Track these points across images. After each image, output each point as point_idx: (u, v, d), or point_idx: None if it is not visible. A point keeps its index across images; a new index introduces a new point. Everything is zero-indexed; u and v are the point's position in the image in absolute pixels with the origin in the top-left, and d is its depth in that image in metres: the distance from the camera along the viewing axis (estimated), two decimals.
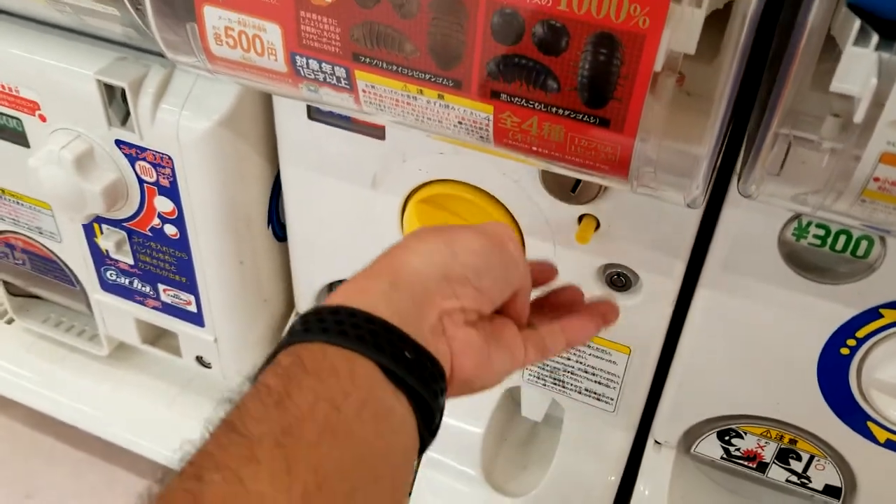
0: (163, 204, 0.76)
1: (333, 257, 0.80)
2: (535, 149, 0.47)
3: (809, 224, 0.57)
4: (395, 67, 0.47)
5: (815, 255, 0.59)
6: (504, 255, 0.47)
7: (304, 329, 0.40)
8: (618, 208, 0.62)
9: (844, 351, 0.61)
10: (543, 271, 0.57)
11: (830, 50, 0.42)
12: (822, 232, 0.57)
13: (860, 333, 0.60)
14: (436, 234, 0.46)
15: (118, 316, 0.92)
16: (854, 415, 0.65)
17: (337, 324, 0.39)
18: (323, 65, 0.49)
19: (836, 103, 0.45)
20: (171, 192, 0.74)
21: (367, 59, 0.47)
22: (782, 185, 0.48)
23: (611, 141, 0.44)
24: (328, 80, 0.49)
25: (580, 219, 0.64)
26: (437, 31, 0.44)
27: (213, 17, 0.50)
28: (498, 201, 0.67)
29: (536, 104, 0.44)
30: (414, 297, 0.42)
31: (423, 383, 0.39)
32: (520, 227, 0.67)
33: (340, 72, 0.49)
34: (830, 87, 0.40)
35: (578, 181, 0.61)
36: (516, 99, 0.45)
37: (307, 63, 0.49)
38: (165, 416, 0.96)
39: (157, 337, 0.95)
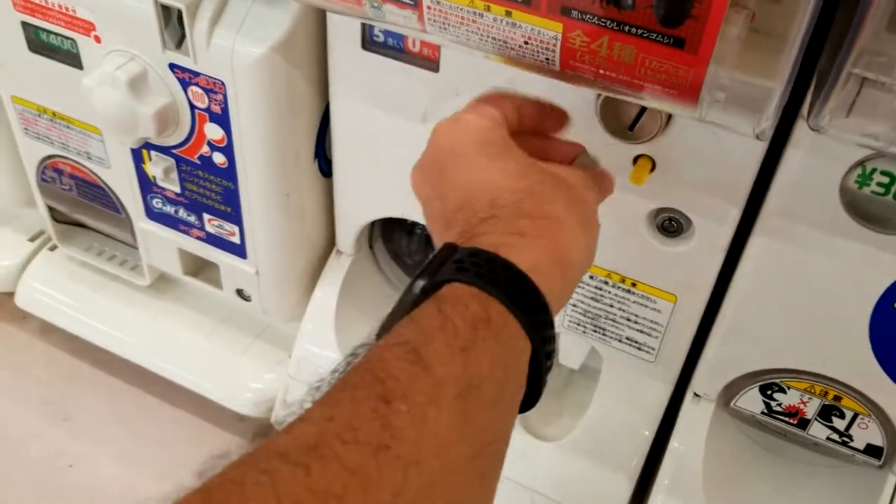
0: (213, 131, 0.76)
1: (378, 196, 0.79)
2: (602, 71, 0.46)
3: (874, 171, 0.56)
4: None
5: (878, 204, 0.57)
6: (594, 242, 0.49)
7: (493, 279, 0.40)
8: (675, 149, 0.61)
9: None
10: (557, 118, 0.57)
11: None
12: (886, 179, 0.56)
13: None
14: (571, 222, 0.46)
15: (162, 245, 0.92)
16: None
17: (522, 295, 0.40)
18: None
19: None
20: (222, 120, 0.74)
21: None
22: (851, 128, 0.47)
23: (684, 62, 0.43)
24: None
25: (636, 160, 0.63)
26: None
27: None
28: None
29: (609, 22, 0.43)
30: (564, 298, 0.45)
31: (540, 386, 0.42)
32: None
33: None
34: None
35: (638, 117, 0.60)
36: (588, 16, 0.44)
37: None
38: (203, 347, 0.97)
39: (198, 269, 0.96)
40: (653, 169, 0.63)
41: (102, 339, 1.00)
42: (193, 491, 0.30)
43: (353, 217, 0.84)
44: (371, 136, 0.75)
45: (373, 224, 0.88)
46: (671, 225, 0.66)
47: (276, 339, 0.97)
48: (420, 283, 0.41)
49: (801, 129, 0.56)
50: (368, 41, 0.68)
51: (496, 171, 0.47)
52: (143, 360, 0.98)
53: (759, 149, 0.59)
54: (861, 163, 0.55)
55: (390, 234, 0.92)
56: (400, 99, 0.70)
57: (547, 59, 0.48)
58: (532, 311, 0.40)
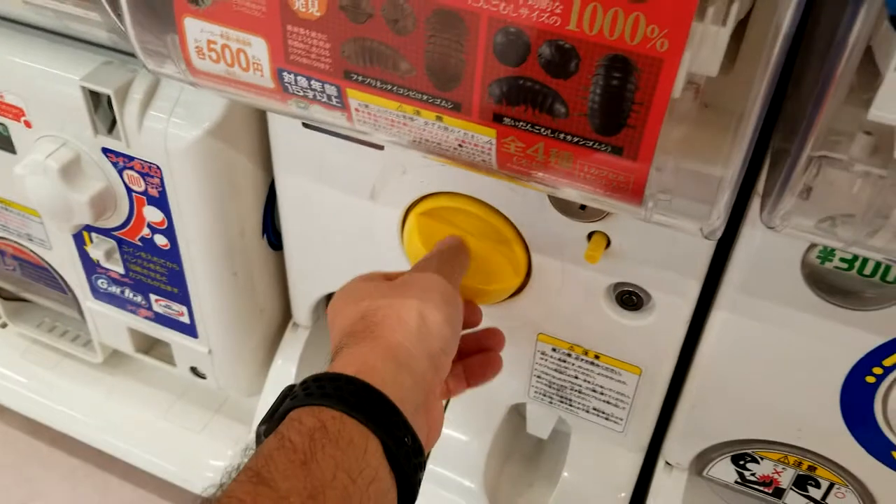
0: (152, 214, 0.73)
1: (331, 269, 0.76)
2: (541, 174, 0.44)
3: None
4: (389, 87, 0.43)
5: (841, 278, 0.55)
6: (457, 314, 0.51)
7: (322, 393, 0.42)
8: (629, 226, 0.59)
9: (870, 379, 0.58)
10: (474, 313, 0.62)
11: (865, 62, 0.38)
12: (849, 255, 0.53)
13: (887, 362, 0.56)
14: (407, 306, 0.48)
15: (111, 324, 0.89)
16: (878, 444, 0.61)
17: (352, 395, 0.42)
18: (312, 82, 0.45)
19: (867, 120, 0.41)
20: (161, 203, 0.71)
21: (360, 78, 0.43)
22: (808, 210, 0.45)
23: (623, 169, 0.41)
24: (318, 97, 0.46)
25: (590, 236, 0.61)
26: (435, 50, 0.40)
27: (195, 30, 0.46)
28: (503, 216, 0.63)
29: (543, 129, 0.41)
30: (413, 377, 0.45)
31: (413, 469, 0.43)
32: (526, 243, 0.64)
33: (331, 90, 0.45)
34: (869, 116, 0.37)
35: None
36: (521, 123, 0.41)
37: (295, 80, 0.45)
38: (160, 426, 0.93)
39: (151, 345, 0.92)
40: (608, 245, 0.60)
41: (57, 419, 0.97)
42: None
43: (307, 290, 0.81)
44: (319, 212, 0.72)
45: (329, 296, 0.85)
46: (630, 299, 0.64)
47: (236, 414, 0.93)
48: (263, 426, 0.43)
49: (756, 207, 0.54)
50: None
51: (348, 310, 0.51)
52: (99, 440, 0.95)
53: None
54: None
55: None
56: (346, 175, 0.67)
57: (484, 160, 0.45)
58: (367, 406, 0.41)
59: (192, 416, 0.94)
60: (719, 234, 0.44)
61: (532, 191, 0.59)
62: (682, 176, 0.43)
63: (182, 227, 0.72)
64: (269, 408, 0.44)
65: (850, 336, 0.56)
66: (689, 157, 0.43)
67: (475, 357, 0.60)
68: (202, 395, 0.95)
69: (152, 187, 0.70)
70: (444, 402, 0.56)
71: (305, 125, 0.65)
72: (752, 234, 0.55)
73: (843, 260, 0.54)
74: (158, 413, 0.95)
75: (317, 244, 0.75)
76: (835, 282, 0.55)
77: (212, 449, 0.91)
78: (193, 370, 0.88)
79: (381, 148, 0.63)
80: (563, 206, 0.59)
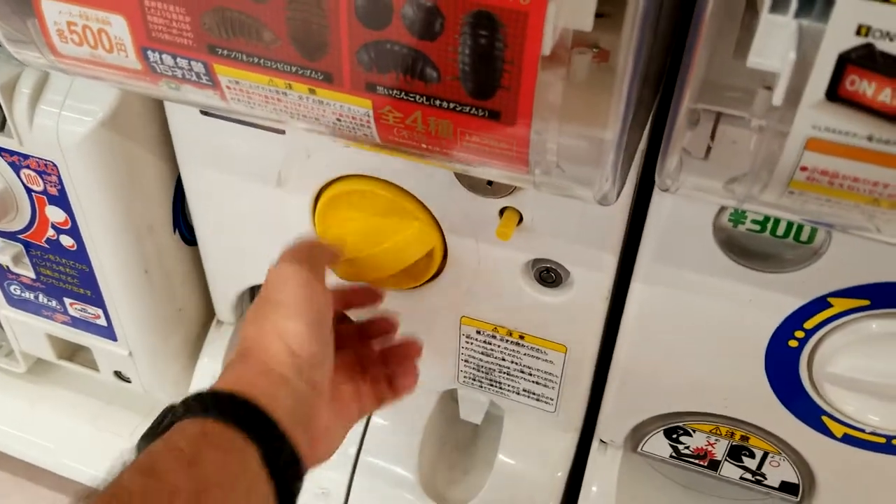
0: (55, 214, 0.69)
1: (248, 262, 0.74)
2: (425, 146, 0.42)
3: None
4: (256, 59, 0.41)
5: (756, 241, 0.53)
6: (321, 317, 0.51)
7: (203, 407, 0.44)
8: (540, 199, 0.57)
9: (793, 343, 0.56)
10: (361, 295, 0.63)
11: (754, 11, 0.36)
12: (760, 216, 0.52)
13: (808, 324, 0.55)
14: (267, 331, 0.50)
15: (29, 331, 0.85)
16: (807, 410, 0.60)
17: (231, 407, 0.44)
18: (178, 59, 0.42)
19: (769, 75, 0.39)
20: (61, 201, 0.68)
21: (225, 52, 0.41)
22: (712, 171, 0.43)
23: (504, 134, 0.39)
24: (187, 76, 0.43)
25: (501, 212, 0.58)
26: (297, 16, 0.38)
27: (53, 12, 0.44)
28: (413, 197, 0.61)
29: (417, 97, 0.39)
30: (293, 396, 0.47)
31: (291, 477, 0.45)
32: (438, 223, 0.61)
33: (198, 67, 0.42)
34: (748, 63, 0.35)
35: None
36: (394, 92, 0.39)
37: (161, 58, 0.43)
38: (88, 433, 0.90)
39: (73, 352, 0.89)
40: (520, 221, 0.58)
41: None
42: None
43: (226, 286, 0.78)
44: (229, 203, 0.69)
45: (253, 288, 0.82)
46: (549, 276, 0.62)
47: None
48: (142, 442, 0.45)
49: None
50: None
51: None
52: (26, 453, 0.91)
53: (627, 194, 0.54)
54: None
55: None
56: (250, 163, 0.64)
57: (365, 134, 0.43)
58: (245, 417, 0.43)
59: (121, 422, 0.91)
60: (613, 199, 0.42)
61: (439, 169, 0.57)
62: (569, 140, 0.41)
63: (86, 225, 0.69)
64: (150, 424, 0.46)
65: (769, 300, 0.55)
66: (574, 120, 0.41)
67: (393, 368, 0.62)
68: (130, 400, 0.92)
69: (51, 185, 0.67)
70: (353, 418, 0.58)
71: (203, 112, 0.62)
72: (660, 199, 0.53)
73: (754, 222, 0.52)
74: (86, 420, 0.92)
75: (230, 237, 0.72)
76: (749, 245, 0.54)
77: None
78: (118, 374, 0.85)
79: (282, 132, 0.61)
80: (470, 183, 0.57)
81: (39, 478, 0.94)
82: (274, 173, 0.64)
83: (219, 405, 0.44)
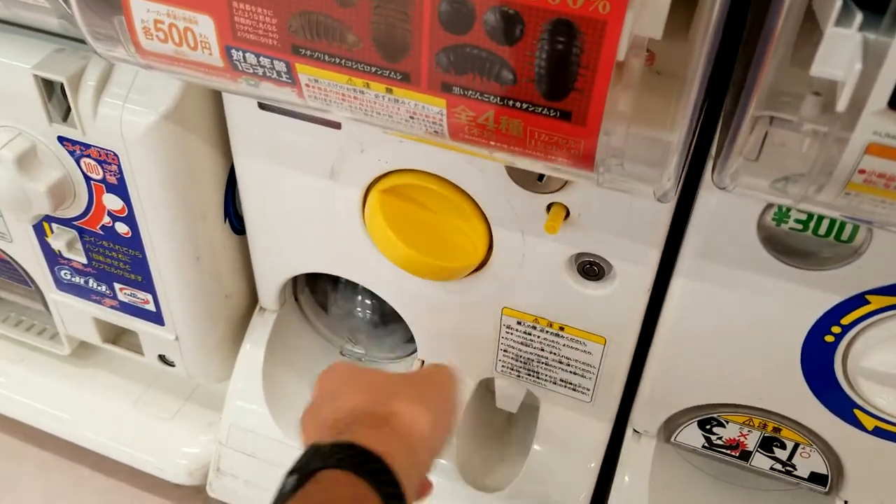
0: (112, 202, 0.72)
1: (294, 251, 0.76)
2: (493, 143, 0.44)
3: (790, 208, 0.54)
4: (337, 60, 0.43)
5: (797, 239, 0.56)
6: (457, 420, 0.59)
7: (354, 465, 0.47)
8: (588, 196, 0.59)
9: (829, 338, 0.59)
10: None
11: (811, 22, 0.38)
12: (803, 216, 0.54)
13: (845, 320, 0.57)
14: (421, 411, 0.54)
15: (76, 315, 0.88)
16: (840, 403, 0.62)
17: (375, 473, 0.48)
18: (261, 58, 0.45)
19: (816, 80, 0.42)
20: (120, 190, 0.70)
21: (308, 52, 0.43)
22: (760, 171, 0.45)
23: (573, 134, 0.41)
24: (268, 74, 0.46)
25: (549, 207, 0.61)
26: (381, 21, 0.40)
27: (141, 10, 0.46)
28: (463, 191, 0.63)
29: (492, 97, 0.41)
30: (418, 472, 0.52)
31: (373, 467, 0.48)
32: (487, 218, 0.64)
33: (280, 66, 0.45)
34: (811, 71, 0.37)
35: None
36: (470, 92, 0.41)
37: (244, 57, 0.45)
38: (130, 416, 0.93)
39: (118, 335, 0.92)
40: (567, 216, 0.61)
41: (26, 413, 0.96)
42: None
43: (271, 274, 0.81)
44: (280, 194, 0.72)
45: (295, 279, 0.84)
46: (592, 269, 0.64)
47: (206, 400, 0.93)
48: (294, 476, 0.47)
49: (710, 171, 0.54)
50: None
51: (356, 392, 0.56)
52: (69, 433, 0.94)
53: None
54: None
55: (315, 284, 0.89)
56: (304, 156, 0.67)
57: (436, 131, 0.45)
58: (387, 485, 0.47)
59: (162, 404, 0.94)
60: (672, 196, 0.44)
61: (490, 164, 0.60)
62: (633, 141, 0.43)
63: (142, 214, 0.71)
64: (297, 459, 0.49)
65: (807, 297, 0.57)
66: (639, 122, 0.43)
67: None
68: (172, 383, 0.94)
69: (110, 175, 0.69)
70: None
71: (261, 106, 0.65)
72: (707, 197, 0.55)
73: (797, 221, 0.55)
74: (128, 402, 0.94)
75: (279, 227, 0.75)
76: (791, 243, 0.56)
77: (183, 436, 0.91)
78: (162, 358, 0.88)
79: (338, 127, 0.63)
80: (521, 179, 0.59)
81: (82, 458, 0.97)
82: (327, 166, 0.66)
83: (364, 466, 0.47)
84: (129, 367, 0.96)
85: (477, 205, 0.64)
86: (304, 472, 0.47)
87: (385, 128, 0.47)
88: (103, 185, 0.71)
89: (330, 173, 0.67)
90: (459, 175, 0.62)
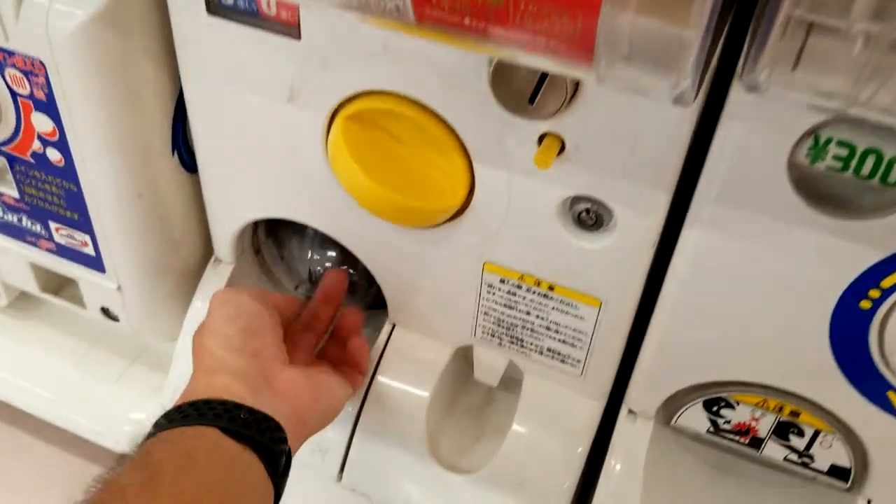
0: (41, 122, 0.63)
1: (251, 192, 0.67)
2: (467, 21, 0.35)
3: (829, 142, 0.45)
4: None
5: (835, 182, 0.46)
6: (237, 308, 0.59)
7: (163, 423, 0.51)
8: (587, 125, 0.50)
9: (865, 304, 0.49)
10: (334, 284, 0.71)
11: None
12: (844, 151, 0.45)
13: (886, 283, 0.48)
14: (198, 338, 0.59)
15: (12, 260, 0.79)
16: (872, 383, 0.53)
17: (179, 412, 0.51)
18: None
19: None
20: (49, 108, 0.61)
21: None
22: (802, 81, 0.36)
23: (568, 6, 0.31)
24: None
25: (541, 139, 0.51)
26: None
27: None
28: (441, 119, 0.54)
29: None
30: (231, 375, 0.55)
31: (260, 434, 0.51)
32: (468, 151, 0.54)
33: None
34: None
35: (538, 88, 0.48)
36: None
37: None
38: (72, 376, 0.84)
39: (59, 286, 0.82)
40: (562, 150, 0.51)
41: None
42: None
43: (226, 219, 0.71)
44: (234, 122, 0.62)
45: (257, 225, 0.75)
46: (589, 217, 0.55)
47: (156, 362, 0.84)
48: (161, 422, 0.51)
49: (738, 94, 0.45)
50: (215, 3, 0.55)
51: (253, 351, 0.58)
52: (6, 393, 0.85)
53: (689, 121, 0.47)
54: (813, 131, 0.44)
55: (278, 235, 0.79)
56: (259, 74, 0.58)
57: (397, 6, 0.36)
58: (194, 410, 0.51)
59: (107, 365, 0.84)
60: (690, 99, 0.35)
61: (473, 84, 0.50)
62: (642, 30, 0.34)
63: (75, 137, 0.62)
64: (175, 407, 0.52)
65: (843, 252, 0.48)
66: (648, 10, 0.34)
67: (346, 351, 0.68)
68: (119, 342, 0.85)
69: (38, 88, 0.60)
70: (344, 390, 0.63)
71: (210, 10, 0.55)
72: (731, 125, 0.46)
73: (836, 158, 0.45)
74: (70, 362, 0.85)
75: (233, 162, 0.65)
76: (827, 187, 0.47)
77: (129, 400, 0.82)
78: (105, 311, 0.78)
79: (297, 37, 0.54)
80: (509, 100, 0.50)
81: (21, 422, 0.88)
82: (286, 86, 0.57)
83: (177, 413, 0.51)
84: (73, 324, 0.87)
85: (457, 136, 0.54)
86: (188, 423, 0.50)
87: (342, 7, 0.38)
88: (31, 102, 0.62)
89: (289, 95, 0.57)
90: (437, 98, 0.53)
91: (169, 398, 0.74)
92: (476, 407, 0.76)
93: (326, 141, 0.59)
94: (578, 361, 0.64)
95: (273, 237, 0.79)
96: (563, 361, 0.65)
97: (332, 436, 0.71)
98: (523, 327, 0.64)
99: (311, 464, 0.71)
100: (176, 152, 0.68)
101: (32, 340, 0.87)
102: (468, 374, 0.72)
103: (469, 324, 0.67)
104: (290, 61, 0.55)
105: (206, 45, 0.58)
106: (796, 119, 0.44)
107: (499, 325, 0.65)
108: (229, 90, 0.60)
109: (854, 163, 0.45)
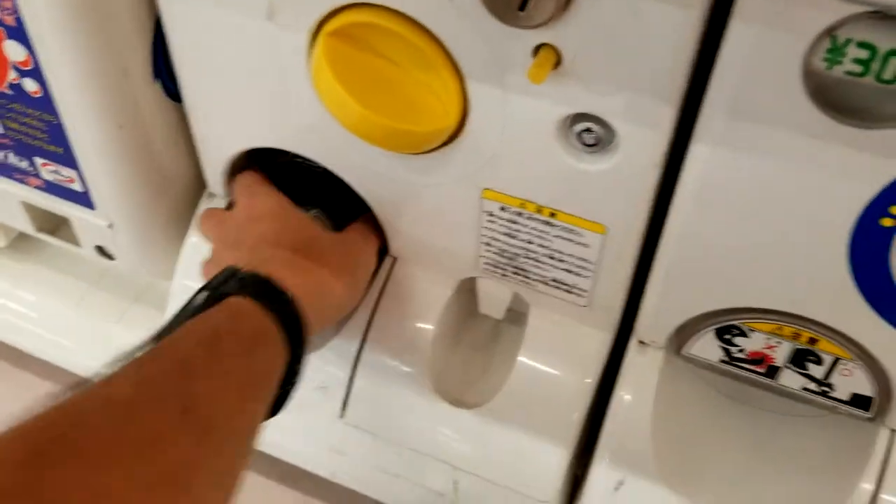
0: (14, 51, 0.60)
1: (237, 120, 0.64)
2: None
3: (848, 43, 0.40)
4: None
5: (854, 89, 0.42)
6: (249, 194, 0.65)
7: (255, 291, 0.50)
8: (584, 34, 0.46)
9: (887, 222, 0.46)
10: None
11: None
12: (865, 54, 0.41)
13: None
14: (344, 280, 0.61)
15: (4, 199, 0.76)
16: (895, 306, 0.49)
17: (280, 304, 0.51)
18: None
19: None
20: (20, 34, 0.58)
21: None
22: None
23: None
24: None
25: (536, 50, 0.48)
26: None
27: None
28: (430, 34, 0.50)
29: None
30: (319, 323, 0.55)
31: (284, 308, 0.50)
32: (460, 69, 0.51)
33: None
34: None
35: None
36: None
37: None
38: (72, 316, 0.83)
39: (56, 225, 0.80)
40: (558, 63, 0.47)
41: None
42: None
43: (214, 149, 0.68)
44: (214, 44, 0.59)
45: (249, 154, 0.72)
46: (590, 136, 0.51)
47: (155, 300, 0.82)
48: (204, 293, 0.50)
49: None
50: None
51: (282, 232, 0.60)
52: (8, 336, 0.84)
53: (695, 25, 0.43)
54: (830, 31, 0.40)
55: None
56: None
57: None
58: (294, 329, 0.50)
59: (108, 306, 0.83)
60: None
61: None
62: None
63: (50, 66, 0.59)
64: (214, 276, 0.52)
65: (864, 164, 0.44)
66: None
67: None
68: (118, 283, 0.84)
69: (7, 13, 0.57)
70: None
71: None
72: (741, 29, 0.42)
73: (856, 61, 0.41)
74: (71, 303, 0.84)
75: (218, 89, 0.62)
76: (845, 95, 0.43)
77: (131, 340, 0.80)
78: (100, 250, 0.76)
79: None
80: (498, 5, 0.46)
81: (24, 363, 0.87)
82: (263, 2, 0.53)
83: (278, 304, 0.50)
84: (73, 264, 0.85)
85: (447, 52, 0.51)
86: (216, 292, 0.49)
87: None
88: (3, 30, 0.59)
89: (267, 12, 0.54)
90: (424, 9, 0.49)
91: None
92: (482, 341, 0.73)
93: (309, 61, 0.55)
94: (584, 291, 0.61)
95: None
96: (568, 291, 0.62)
97: (334, 371, 0.69)
98: (526, 257, 0.61)
99: (312, 401, 0.69)
100: (159, 79, 0.65)
101: (32, 282, 0.85)
102: (473, 309, 0.70)
103: (471, 254, 0.64)
104: None
105: None
106: (812, 17, 0.40)
107: (501, 256, 0.62)
108: (206, 9, 0.56)
109: (875, 66, 0.41)
